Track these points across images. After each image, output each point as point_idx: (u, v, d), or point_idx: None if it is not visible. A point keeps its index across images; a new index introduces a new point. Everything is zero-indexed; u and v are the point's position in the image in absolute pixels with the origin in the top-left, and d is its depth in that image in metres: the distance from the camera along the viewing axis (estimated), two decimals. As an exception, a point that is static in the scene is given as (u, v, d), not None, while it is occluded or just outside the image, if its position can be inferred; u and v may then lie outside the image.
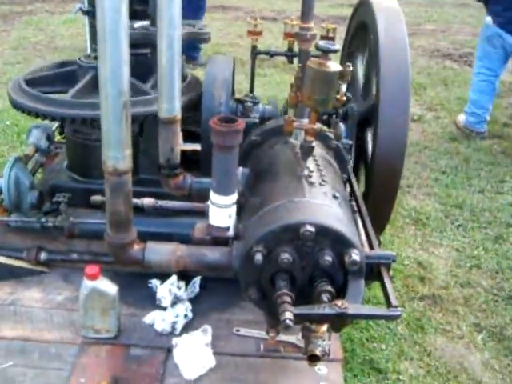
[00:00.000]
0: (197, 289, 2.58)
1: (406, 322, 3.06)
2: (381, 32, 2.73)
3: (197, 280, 2.59)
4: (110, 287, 2.27)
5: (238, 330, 2.43)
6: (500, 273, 3.61)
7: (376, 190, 2.77)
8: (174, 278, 2.53)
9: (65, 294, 2.59)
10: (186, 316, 2.44)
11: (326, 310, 1.71)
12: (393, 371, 2.73)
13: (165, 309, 2.48)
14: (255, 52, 3.07)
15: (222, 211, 2.00)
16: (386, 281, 1.91)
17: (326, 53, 1.85)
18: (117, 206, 1.88)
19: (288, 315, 1.67)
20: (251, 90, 3.12)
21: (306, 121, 2.17)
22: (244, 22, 9.84)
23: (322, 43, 1.87)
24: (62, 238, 2.67)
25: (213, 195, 1.99)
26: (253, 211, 2.00)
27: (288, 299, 1.74)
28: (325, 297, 1.77)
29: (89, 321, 2.32)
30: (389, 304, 1.81)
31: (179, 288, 2.53)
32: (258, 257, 1.78)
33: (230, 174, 1.95)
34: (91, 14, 2.89)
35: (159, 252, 1.98)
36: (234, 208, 2.03)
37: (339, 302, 1.72)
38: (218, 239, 2.04)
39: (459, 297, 3.34)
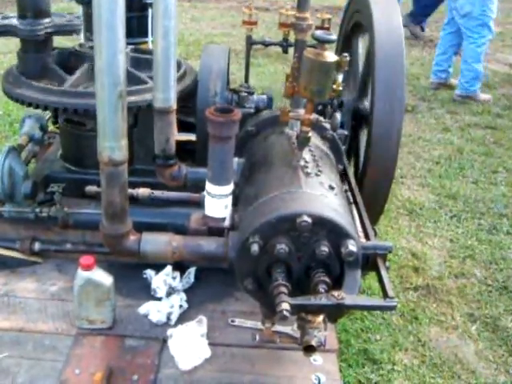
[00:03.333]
0: (192, 279, 2.58)
1: (400, 312, 3.07)
2: (376, 23, 2.71)
3: (192, 270, 2.59)
4: (104, 278, 2.26)
5: (233, 321, 2.43)
6: (493, 263, 3.62)
7: (370, 182, 2.77)
8: (168, 268, 2.52)
9: (59, 285, 2.59)
10: (181, 306, 2.44)
11: (322, 300, 1.70)
12: (387, 361, 2.74)
13: (160, 299, 2.47)
14: (250, 42, 3.06)
15: (217, 202, 1.99)
16: (383, 271, 1.90)
17: (323, 43, 1.84)
18: (112, 196, 1.86)
19: (285, 306, 1.66)
20: (246, 80, 3.11)
21: (301, 111, 2.16)
22: (237, 12, 9.82)
23: (318, 33, 1.86)
24: (56, 229, 2.66)
25: (209, 186, 1.98)
26: (248, 202, 1.99)
27: (284, 290, 1.73)
28: (321, 287, 1.77)
29: (83, 312, 2.31)
30: (385, 295, 1.81)
31: (174, 278, 2.53)
32: (255, 247, 1.77)
33: (227, 164, 1.94)
34: (85, 2, 2.86)
35: (155, 243, 1.97)
36: (230, 198, 2.02)
37: (336, 293, 1.71)
38: (213, 230, 2.04)
39: (453, 287, 3.36)
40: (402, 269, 3.46)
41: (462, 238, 3.88)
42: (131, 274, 2.59)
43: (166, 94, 2.23)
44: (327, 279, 1.79)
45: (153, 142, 2.35)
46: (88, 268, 2.21)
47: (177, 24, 2.18)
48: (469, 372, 2.76)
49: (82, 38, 3.36)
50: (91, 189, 2.37)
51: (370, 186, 2.76)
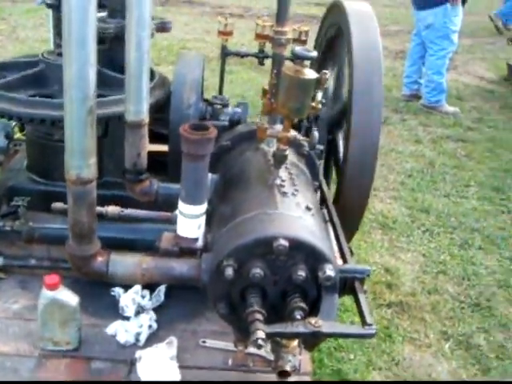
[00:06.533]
0: (162, 298, 2.49)
1: (373, 330, 3.02)
2: (354, 37, 2.67)
3: (162, 288, 2.49)
4: (70, 298, 2.16)
5: (204, 342, 2.34)
6: (466, 279, 3.61)
7: (346, 198, 2.72)
8: (138, 286, 2.43)
9: (22, 303, 2.46)
10: (150, 327, 2.35)
11: (299, 328, 1.64)
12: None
13: (128, 318, 2.38)
14: (225, 52, 2.98)
15: (190, 221, 1.91)
16: (361, 296, 1.85)
17: (303, 60, 1.78)
18: (80, 216, 1.77)
19: (260, 334, 1.59)
20: (220, 92, 3.03)
21: (279, 127, 2.09)
22: (210, 18, 9.75)
23: (298, 49, 1.79)
24: (20, 243, 2.54)
25: (181, 205, 1.89)
26: (223, 222, 1.91)
27: (259, 317, 1.66)
28: (298, 314, 1.70)
29: (47, 332, 2.20)
30: (363, 322, 1.75)
31: (143, 297, 2.43)
32: (229, 271, 1.70)
33: (201, 183, 1.86)
34: (55, 7, 2.75)
35: (124, 265, 1.88)
36: (204, 218, 1.94)
37: (313, 320, 1.65)
38: (185, 250, 1.95)
39: (426, 304, 3.33)
40: (376, 285, 3.42)
41: (435, 252, 3.87)
42: (98, 291, 2.48)
43: (138, 106, 2.14)
44: (303, 305, 1.73)
45: (123, 154, 2.25)
46: (53, 287, 2.11)
47: (150, 34, 2.10)
48: (442, 393, 2.73)
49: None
50: (57, 205, 2.26)
51: (345, 203, 2.71)
